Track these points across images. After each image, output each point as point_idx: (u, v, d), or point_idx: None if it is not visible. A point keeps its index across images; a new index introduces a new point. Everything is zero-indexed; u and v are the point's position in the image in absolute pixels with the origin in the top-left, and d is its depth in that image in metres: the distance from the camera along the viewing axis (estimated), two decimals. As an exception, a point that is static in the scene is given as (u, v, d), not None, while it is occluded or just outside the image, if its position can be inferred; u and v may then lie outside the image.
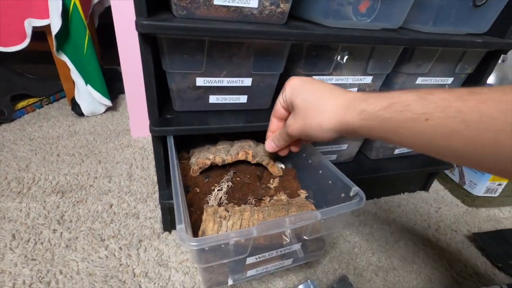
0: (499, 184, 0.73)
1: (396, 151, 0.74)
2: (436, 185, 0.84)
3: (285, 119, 0.40)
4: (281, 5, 0.43)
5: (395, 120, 0.26)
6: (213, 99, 0.51)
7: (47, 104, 1.05)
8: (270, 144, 0.43)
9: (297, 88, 0.35)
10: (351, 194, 0.39)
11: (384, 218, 0.70)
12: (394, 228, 0.67)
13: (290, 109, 0.37)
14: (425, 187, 0.81)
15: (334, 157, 0.69)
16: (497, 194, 0.74)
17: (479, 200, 0.75)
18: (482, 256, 0.62)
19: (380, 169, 0.71)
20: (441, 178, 0.85)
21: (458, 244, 0.64)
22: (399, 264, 0.58)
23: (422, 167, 0.73)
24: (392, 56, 0.55)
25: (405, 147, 0.69)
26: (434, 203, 0.77)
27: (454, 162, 0.25)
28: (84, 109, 0.98)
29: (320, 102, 0.32)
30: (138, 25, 0.36)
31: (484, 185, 0.72)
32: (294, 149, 0.44)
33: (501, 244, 0.63)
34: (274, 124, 0.42)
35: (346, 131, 0.31)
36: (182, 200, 0.34)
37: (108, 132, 0.93)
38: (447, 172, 0.82)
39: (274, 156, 0.52)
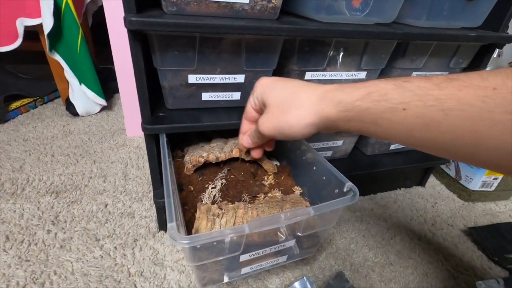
0: (495, 178, 0.73)
1: (392, 147, 0.74)
2: (432, 180, 0.84)
3: (255, 122, 0.39)
4: (273, 0, 0.43)
5: (373, 110, 0.25)
6: (206, 96, 0.50)
7: (41, 104, 1.04)
8: (246, 139, 0.42)
9: (269, 86, 0.34)
10: (345, 189, 0.39)
11: (380, 214, 0.70)
12: (391, 224, 0.67)
13: (262, 109, 0.36)
14: (422, 182, 0.81)
15: (329, 153, 0.68)
16: (492, 188, 0.75)
17: (475, 194, 0.75)
18: (478, 250, 0.62)
19: (376, 165, 0.71)
20: (437, 173, 0.85)
21: (454, 239, 0.64)
22: (396, 260, 0.58)
23: (418, 162, 0.73)
24: (386, 51, 0.54)
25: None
26: (431, 198, 0.77)
27: (435, 154, 0.24)
28: (79, 109, 0.97)
29: (295, 96, 0.31)
30: (126, 22, 0.36)
31: (480, 179, 0.72)
32: (268, 148, 0.43)
33: (497, 238, 0.63)
34: (246, 126, 0.41)
35: (325, 124, 0.29)
36: (174, 199, 0.34)
37: (103, 132, 0.92)
38: (443, 167, 0.82)
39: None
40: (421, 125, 0.22)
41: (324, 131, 0.31)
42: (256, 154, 0.44)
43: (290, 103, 0.31)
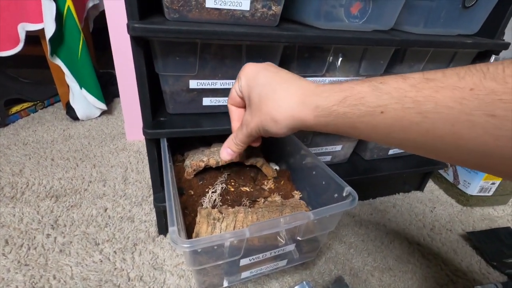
0: (493, 183, 0.73)
1: (390, 152, 0.74)
2: (431, 185, 0.85)
3: (242, 106, 0.38)
4: (273, 8, 0.44)
5: (351, 115, 0.24)
6: (206, 101, 0.51)
7: (41, 109, 1.04)
8: (226, 152, 0.40)
9: (253, 78, 0.33)
10: (344, 194, 0.39)
11: (379, 219, 0.70)
12: (390, 228, 0.67)
13: (246, 102, 0.35)
14: (420, 187, 0.82)
15: (328, 158, 0.69)
16: (491, 193, 0.75)
17: (473, 199, 0.75)
18: (477, 254, 0.62)
19: (374, 169, 0.71)
20: (436, 178, 0.85)
21: (452, 243, 0.65)
22: (395, 264, 0.58)
23: (416, 167, 0.73)
24: (384, 57, 0.55)
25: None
26: (429, 203, 0.77)
27: (416, 153, 0.24)
28: (79, 113, 0.97)
29: (274, 95, 0.30)
30: (129, 28, 0.37)
31: (478, 184, 0.73)
32: (255, 144, 0.41)
33: (495, 243, 0.63)
34: (234, 112, 0.39)
35: (300, 127, 0.29)
36: (175, 203, 0.34)
37: (103, 136, 0.92)
38: (441, 171, 0.83)
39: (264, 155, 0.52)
40: (399, 128, 0.22)
41: (304, 130, 0.31)
42: (235, 155, 0.42)
43: (270, 101, 0.30)
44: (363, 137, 0.26)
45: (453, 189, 0.79)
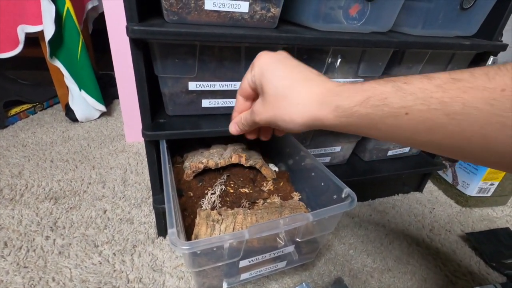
0: (491, 184, 0.73)
1: (389, 153, 0.74)
2: (430, 186, 0.85)
3: (252, 99, 0.37)
4: (272, 10, 0.44)
5: (373, 116, 0.24)
6: (205, 103, 0.51)
7: (40, 110, 1.04)
8: (234, 127, 0.39)
9: (268, 68, 0.31)
10: (343, 195, 0.39)
11: (378, 220, 0.70)
12: (389, 229, 0.67)
13: (258, 91, 0.34)
14: (419, 188, 0.82)
15: (327, 159, 0.69)
16: (489, 194, 0.75)
17: (472, 200, 0.75)
18: (476, 255, 0.62)
19: (373, 170, 0.71)
20: (435, 179, 0.85)
21: (452, 244, 0.65)
22: (394, 265, 0.58)
23: (415, 168, 0.74)
24: (383, 59, 0.55)
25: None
26: (428, 204, 0.77)
27: (439, 154, 0.23)
28: (78, 115, 0.97)
29: (292, 92, 0.29)
30: (129, 30, 0.37)
31: (476, 185, 0.73)
32: (264, 138, 0.41)
33: (494, 243, 0.63)
34: (241, 103, 0.38)
35: (318, 126, 0.29)
36: (174, 204, 0.34)
37: (103, 138, 0.92)
38: (440, 172, 0.83)
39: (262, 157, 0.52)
40: (425, 129, 0.21)
41: (319, 129, 0.30)
42: (250, 136, 0.41)
43: (287, 99, 0.29)
44: (385, 138, 0.25)
45: (452, 190, 0.80)
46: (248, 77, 0.34)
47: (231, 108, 0.53)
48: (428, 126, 0.21)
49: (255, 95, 0.35)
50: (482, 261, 0.61)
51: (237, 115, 0.39)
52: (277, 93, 0.30)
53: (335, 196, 0.41)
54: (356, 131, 0.26)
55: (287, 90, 0.29)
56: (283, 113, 0.30)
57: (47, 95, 1.06)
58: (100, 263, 0.52)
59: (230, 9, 0.42)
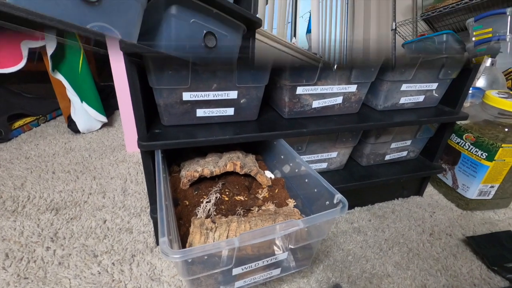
0: (492, 187, 0.73)
1: (387, 157, 0.74)
2: (430, 190, 0.84)
3: None
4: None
5: None
6: (200, 112, 0.52)
7: (43, 123, 1.06)
8: None
9: None
10: (335, 201, 0.40)
11: (378, 225, 0.70)
12: (388, 234, 0.67)
13: None
14: (419, 191, 0.81)
15: (324, 165, 0.69)
16: (490, 197, 0.74)
17: (473, 203, 0.75)
18: (477, 259, 0.61)
19: (372, 175, 0.71)
20: (435, 182, 0.85)
21: (453, 249, 0.64)
22: (393, 271, 0.58)
23: (414, 172, 0.73)
24: (375, 64, 0.56)
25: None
26: (429, 208, 0.77)
27: None
28: (80, 126, 0.99)
29: None
30: (122, 45, 0.38)
31: (476, 188, 0.72)
32: None
33: (496, 247, 0.62)
34: None
35: None
36: (166, 213, 0.34)
37: (104, 148, 0.94)
38: (440, 176, 0.83)
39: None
40: None
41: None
42: None
43: None
44: None
45: (452, 193, 0.79)
46: None
47: (225, 117, 0.54)
48: None
49: None
50: (484, 265, 0.60)
51: None
52: None
53: (327, 202, 0.41)
54: None
55: None
56: None
57: (50, 107, 1.08)
58: (99, 273, 0.53)
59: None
